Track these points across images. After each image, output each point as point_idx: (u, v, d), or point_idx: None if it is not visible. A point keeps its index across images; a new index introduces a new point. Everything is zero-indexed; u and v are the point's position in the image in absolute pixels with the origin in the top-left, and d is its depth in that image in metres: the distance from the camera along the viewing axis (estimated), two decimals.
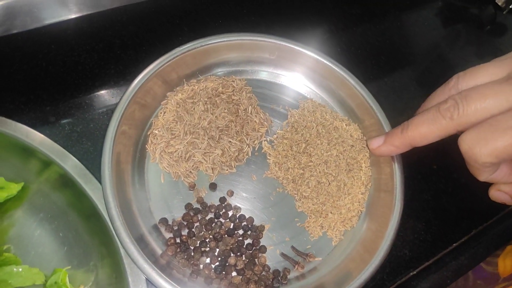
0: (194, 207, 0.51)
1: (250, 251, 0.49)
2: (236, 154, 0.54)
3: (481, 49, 0.77)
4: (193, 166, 0.53)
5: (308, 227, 0.52)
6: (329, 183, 0.54)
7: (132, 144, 0.52)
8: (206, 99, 0.55)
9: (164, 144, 0.53)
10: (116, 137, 0.49)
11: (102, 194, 0.46)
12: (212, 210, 0.51)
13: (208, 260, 0.48)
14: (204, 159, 0.53)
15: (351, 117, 0.59)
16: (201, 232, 0.50)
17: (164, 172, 0.52)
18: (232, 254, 0.49)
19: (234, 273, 0.48)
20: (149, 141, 0.54)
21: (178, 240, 0.49)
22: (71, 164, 0.48)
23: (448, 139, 0.39)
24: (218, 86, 0.57)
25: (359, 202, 0.54)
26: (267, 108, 0.59)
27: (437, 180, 0.60)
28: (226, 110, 0.55)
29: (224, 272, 0.47)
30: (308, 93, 0.61)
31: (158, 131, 0.54)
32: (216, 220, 0.50)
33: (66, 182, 0.48)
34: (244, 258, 0.49)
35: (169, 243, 0.48)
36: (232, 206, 0.52)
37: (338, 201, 0.53)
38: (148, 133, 0.54)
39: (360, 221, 0.54)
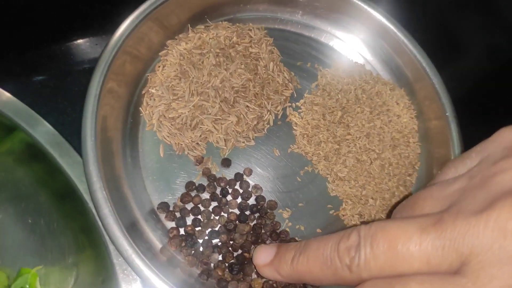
0: (197, 185, 0.40)
1: (276, 242, 0.39)
2: (255, 122, 0.43)
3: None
4: (200, 136, 0.41)
5: (344, 215, 0.42)
6: (371, 162, 0.43)
7: (122, 106, 0.40)
8: (218, 51, 0.43)
9: (163, 107, 0.41)
10: (101, 96, 0.37)
11: (83, 170, 0.35)
12: (221, 185, 0.40)
13: (220, 257, 0.38)
14: (215, 128, 0.41)
15: (395, 80, 0.48)
16: (209, 219, 0.39)
17: (164, 143, 0.41)
18: (253, 246, 0.38)
19: (254, 275, 0.38)
20: (144, 103, 0.42)
21: (182, 231, 0.38)
22: (42, 130, 0.36)
23: None
24: (232, 35, 0.45)
25: (405, 185, 0.44)
26: (293, 66, 0.47)
27: None
28: (243, 66, 0.43)
29: (242, 273, 0.37)
30: (343, 49, 0.49)
31: (155, 90, 0.42)
32: (223, 199, 0.40)
33: (35, 154, 0.37)
34: None
35: (171, 235, 0.38)
36: (251, 185, 0.41)
37: (381, 184, 0.43)
38: (143, 92, 0.42)
39: None
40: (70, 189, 0.36)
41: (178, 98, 0.41)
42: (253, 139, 0.43)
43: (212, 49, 0.43)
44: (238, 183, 0.41)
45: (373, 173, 0.43)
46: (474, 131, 0.44)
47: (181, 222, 0.38)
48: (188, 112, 0.41)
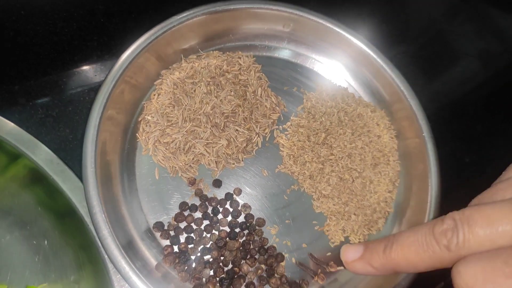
0: (190, 204, 0.43)
1: (264, 257, 0.42)
2: (244, 145, 0.46)
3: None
4: (193, 159, 0.44)
5: (328, 231, 0.45)
6: (353, 180, 0.46)
7: (120, 132, 0.44)
8: (209, 79, 0.46)
9: (158, 133, 0.44)
10: (101, 123, 0.40)
11: (83, 194, 0.38)
12: (213, 205, 0.43)
13: (212, 272, 0.40)
14: (207, 151, 0.44)
15: (376, 102, 0.51)
16: (201, 237, 0.42)
17: (159, 166, 0.44)
18: (243, 261, 0.41)
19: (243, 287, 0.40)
20: (141, 129, 0.45)
21: (176, 249, 0.41)
22: (44, 158, 0.39)
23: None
24: (223, 64, 0.48)
25: (386, 202, 0.47)
26: (280, 91, 0.50)
27: (470, 175, 0.53)
28: (232, 93, 0.46)
29: (232, 287, 0.40)
30: (326, 73, 0.53)
31: (151, 117, 0.45)
32: (214, 218, 0.42)
33: (38, 179, 0.40)
34: (256, 265, 0.41)
35: (165, 253, 0.40)
36: (241, 204, 0.44)
37: (362, 201, 0.46)
38: (139, 119, 0.45)
39: (388, 224, 0.47)
40: (70, 209, 0.39)
41: (172, 124, 0.44)
42: (242, 160, 0.46)
43: (203, 78, 0.46)
44: (228, 202, 0.44)
45: (355, 191, 0.46)
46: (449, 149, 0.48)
47: (175, 240, 0.41)
48: (181, 137, 0.44)
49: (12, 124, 0.40)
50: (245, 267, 0.41)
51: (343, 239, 0.45)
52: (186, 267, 0.40)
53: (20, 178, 0.40)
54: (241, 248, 0.42)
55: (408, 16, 0.64)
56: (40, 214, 0.40)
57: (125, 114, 0.44)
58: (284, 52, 0.52)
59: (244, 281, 0.41)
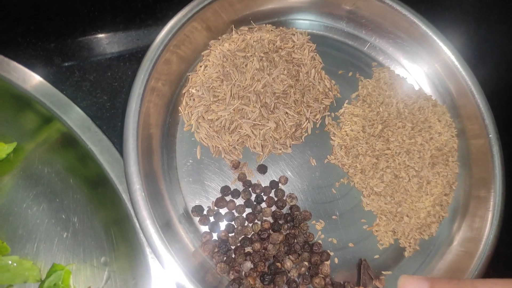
0: (232, 190, 0.39)
1: (308, 254, 0.38)
2: (293, 130, 0.42)
3: None
4: (238, 140, 0.40)
5: (377, 231, 0.41)
6: (409, 179, 0.42)
7: (163, 105, 0.40)
8: (262, 55, 0.42)
9: (203, 108, 0.40)
10: (145, 93, 0.36)
11: (120, 167, 0.34)
12: (257, 192, 0.39)
13: (252, 266, 0.37)
14: (253, 133, 0.40)
15: (437, 96, 0.47)
16: (243, 226, 0.38)
17: (201, 145, 0.40)
18: (286, 257, 0.38)
19: (285, 286, 0.37)
20: (184, 103, 0.41)
21: (215, 237, 0.38)
22: (80, 124, 0.36)
23: None
24: (276, 39, 0.44)
25: (441, 205, 0.43)
26: (333, 74, 0.46)
27: None
28: (285, 72, 0.42)
29: (273, 283, 0.36)
30: (385, 61, 0.48)
31: (196, 90, 0.41)
32: (257, 207, 0.39)
33: (71, 145, 0.37)
34: (300, 263, 0.38)
35: (204, 240, 0.37)
36: (286, 193, 0.40)
37: (417, 202, 0.42)
38: (183, 91, 0.41)
39: (441, 229, 0.43)
40: (103, 178, 0.35)
41: (219, 100, 0.40)
42: (290, 146, 0.42)
43: (256, 53, 0.42)
44: (273, 191, 0.40)
45: (410, 191, 0.42)
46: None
47: (215, 227, 0.38)
48: (228, 115, 0.40)
49: (47, 83, 0.36)
50: (288, 263, 0.37)
51: (392, 242, 0.41)
52: (225, 258, 0.37)
53: (51, 143, 0.37)
54: (284, 242, 0.38)
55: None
56: (71, 186, 0.37)
57: (169, 85, 0.40)
58: (341, 33, 0.48)
59: (286, 278, 0.37)
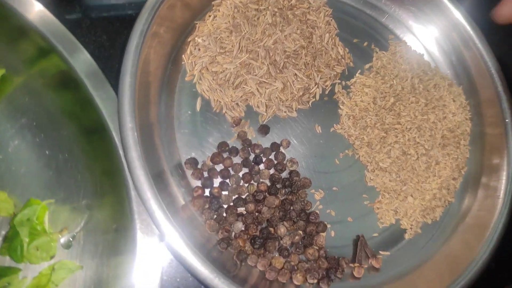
0: (230, 147, 0.37)
1: (304, 223, 0.36)
2: (301, 93, 0.39)
3: None
4: (241, 97, 0.38)
5: (378, 208, 0.39)
6: (418, 157, 0.39)
7: (165, 53, 0.37)
8: (275, 10, 0.39)
9: (208, 59, 0.38)
10: (146, 37, 0.34)
11: (116, 107, 0.32)
12: (256, 152, 0.37)
13: (243, 227, 0.35)
14: (259, 91, 0.38)
15: (453, 76, 0.45)
16: (238, 185, 0.36)
17: (202, 97, 0.38)
18: (280, 223, 0.35)
19: (276, 253, 0.35)
20: (188, 51, 0.38)
21: (207, 193, 0.35)
22: (80, 59, 0.33)
23: None
24: None
25: (448, 189, 0.40)
26: (348, 42, 0.43)
27: None
28: (298, 31, 0.40)
29: (264, 248, 0.34)
30: (402, 34, 0.46)
31: (202, 39, 0.38)
32: (255, 167, 0.37)
33: (68, 82, 0.34)
34: (294, 230, 0.36)
35: (195, 194, 0.35)
36: (287, 157, 0.38)
37: (423, 183, 0.39)
38: (189, 39, 0.39)
39: (445, 215, 0.40)
40: (99, 125, 0.33)
41: (226, 52, 0.38)
42: (295, 110, 0.40)
43: (269, 7, 0.39)
44: (273, 153, 0.38)
45: (418, 170, 0.39)
46: None
47: (207, 183, 0.35)
48: (233, 68, 0.37)
49: (46, 10, 0.33)
50: (282, 229, 0.35)
51: (393, 222, 0.39)
52: (215, 216, 0.34)
53: (46, 78, 0.34)
54: (280, 207, 0.36)
55: None
56: (60, 124, 0.34)
57: (172, 33, 0.38)
58: (360, 1, 0.45)
59: (278, 245, 0.35)
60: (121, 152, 0.31)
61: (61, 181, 0.33)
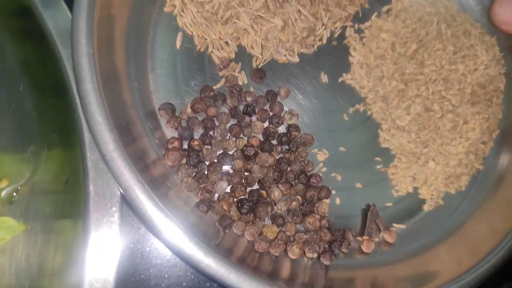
0: (216, 93, 0.30)
1: (303, 186, 0.29)
2: (304, 34, 0.33)
3: None
4: (232, 34, 0.31)
5: (393, 174, 0.33)
6: (443, 114, 0.33)
7: None
8: None
9: None
10: None
11: (69, 31, 0.25)
12: (247, 100, 0.30)
13: (229, 189, 0.28)
14: (253, 28, 0.31)
15: (488, 24, 0.38)
16: (224, 137, 0.29)
17: (185, 31, 0.31)
18: (274, 185, 0.29)
19: (268, 220, 0.28)
20: None
21: (185, 146, 0.29)
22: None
23: None
24: None
25: (477, 154, 0.34)
26: None
27: None
28: None
29: (253, 214, 0.28)
30: None
31: None
32: (246, 118, 0.30)
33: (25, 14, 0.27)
34: (291, 194, 0.29)
35: (170, 146, 0.28)
36: (285, 109, 0.31)
37: (448, 145, 0.33)
38: None
39: (471, 185, 0.34)
40: (59, 82, 0.26)
41: None
42: (298, 54, 0.33)
43: None
44: (268, 103, 0.31)
45: (442, 130, 0.33)
46: None
47: (186, 133, 0.29)
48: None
49: None
50: (276, 193, 0.28)
51: (411, 190, 0.33)
52: (194, 173, 0.28)
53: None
54: (274, 166, 0.29)
55: None
56: (5, 53, 0.28)
57: None
58: None
59: (271, 211, 0.29)
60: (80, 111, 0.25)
61: (5, 125, 0.27)
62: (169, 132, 0.29)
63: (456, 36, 0.35)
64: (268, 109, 0.31)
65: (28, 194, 0.26)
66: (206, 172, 0.28)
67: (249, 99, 0.30)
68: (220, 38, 0.31)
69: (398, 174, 0.33)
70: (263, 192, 0.29)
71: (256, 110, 0.31)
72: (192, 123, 0.29)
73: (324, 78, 0.33)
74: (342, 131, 0.33)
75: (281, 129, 0.31)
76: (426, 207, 0.33)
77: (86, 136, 0.24)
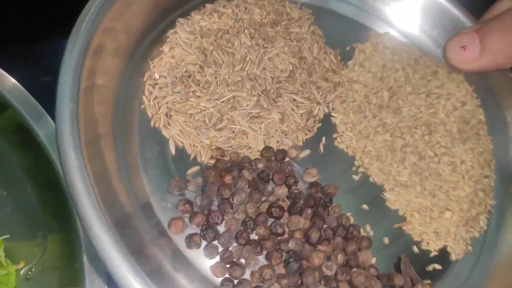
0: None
1: (342, 238, 0.30)
2: (305, 119, 0.33)
3: None
4: (228, 138, 0.31)
5: (411, 230, 0.32)
6: (439, 159, 0.33)
7: (108, 99, 0.30)
8: (252, 31, 0.34)
9: (175, 98, 0.31)
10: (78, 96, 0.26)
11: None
12: (259, 167, 0.30)
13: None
14: (252, 128, 0.31)
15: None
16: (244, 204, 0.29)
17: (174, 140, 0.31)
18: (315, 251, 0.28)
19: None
20: (146, 92, 0.32)
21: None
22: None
23: None
24: (267, 11, 0.36)
25: (484, 190, 0.34)
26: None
27: None
28: (286, 49, 0.34)
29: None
30: (383, 28, 0.41)
31: (162, 75, 0.32)
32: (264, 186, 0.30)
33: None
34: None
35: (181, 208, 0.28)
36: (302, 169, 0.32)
37: (455, 190, 0.33)
38: (145, 78, 0.32)
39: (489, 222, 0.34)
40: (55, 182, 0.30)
41: (202, 88, 0.31)
42: (302, 141, 0.33)
43: (244, 29, 0.34)
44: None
45: (443, 175, 0.33)
46: None
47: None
48: (214, 107, 0.31)
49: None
50: (316, 260, 0.28)
51: (440, 246, 0.32)
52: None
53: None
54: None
55: None
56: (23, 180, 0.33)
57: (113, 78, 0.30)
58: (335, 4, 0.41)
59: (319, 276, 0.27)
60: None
61: (18, 218, 0.32)
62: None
63: (425, 78, 0.36)
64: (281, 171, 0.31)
65: (40, 271, 0.31)
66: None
67: (260, 165, 0.30)
68: (216, 142, 0.31)
69: (415, 230, 0.32)
70: (304, 261, 0.28)
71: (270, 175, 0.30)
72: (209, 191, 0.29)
73: (321, 148, 0.34)
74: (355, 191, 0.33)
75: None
76: (453, 256, 0.32)
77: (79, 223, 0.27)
